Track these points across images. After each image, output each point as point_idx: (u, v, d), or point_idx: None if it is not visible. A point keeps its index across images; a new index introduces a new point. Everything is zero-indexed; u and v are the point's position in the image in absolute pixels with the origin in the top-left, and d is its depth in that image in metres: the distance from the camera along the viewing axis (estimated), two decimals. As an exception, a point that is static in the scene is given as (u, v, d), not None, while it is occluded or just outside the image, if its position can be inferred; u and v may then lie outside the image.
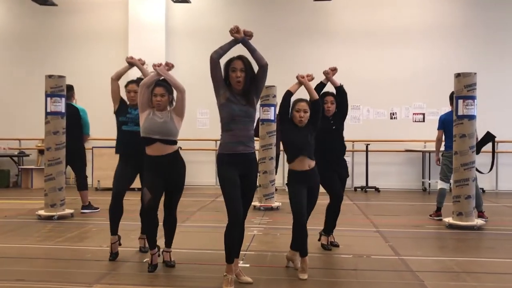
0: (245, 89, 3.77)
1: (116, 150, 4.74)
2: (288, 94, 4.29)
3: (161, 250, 4.41)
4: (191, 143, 11.01)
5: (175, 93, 4.28)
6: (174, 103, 4.31)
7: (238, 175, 3.76)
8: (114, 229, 4.63)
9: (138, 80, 4.74)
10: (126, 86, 4.78)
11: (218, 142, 11.62)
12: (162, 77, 4.22)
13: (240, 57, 3.78)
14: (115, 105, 4.75)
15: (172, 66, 4.29)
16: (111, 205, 4.61)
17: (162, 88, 4.20)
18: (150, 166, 4.20)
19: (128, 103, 4.79)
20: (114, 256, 4.57)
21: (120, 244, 4.69)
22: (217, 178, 12.13)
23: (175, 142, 4.24)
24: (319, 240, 5.12)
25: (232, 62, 3.77)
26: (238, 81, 3.74)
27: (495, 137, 7.19)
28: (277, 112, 8.04)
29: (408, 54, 11.16)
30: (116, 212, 4.64)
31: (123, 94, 4.76)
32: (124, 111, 4.72)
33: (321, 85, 4.95)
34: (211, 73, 3.73)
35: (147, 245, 4.54)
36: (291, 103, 4.26)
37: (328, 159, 4.74)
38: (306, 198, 4.17)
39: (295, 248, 4.30)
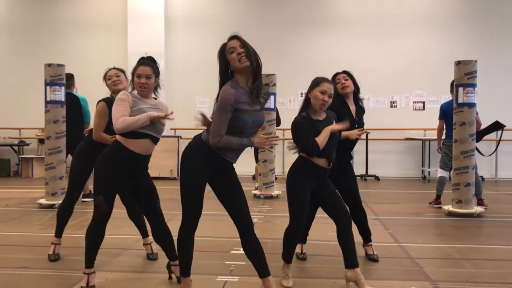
0: (253, 68, 2.96)
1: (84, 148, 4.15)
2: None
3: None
4: (191, 132, 10.96)
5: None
6: (159, 90, 3.61)
7: (208, 174, 3.08)
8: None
9: (119, 69, 4.26)
10: (105, 74, 4.21)
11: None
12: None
13: (235, 36, 3.04)
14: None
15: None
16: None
17: (149, 69, 3.44)
18: (118, 162, 3.35)
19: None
20: None
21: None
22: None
23: (158, 141, 3.50)
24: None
25: (227, 45, 3.03)
26: (241, 57, 2.95)
27: (504, 126, 7.12)
28: (278, 100, 8.05)
29: (409, 42, 11.12)
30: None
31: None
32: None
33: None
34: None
35: (155, 251, 4.28)
36: (313, 83, 3.49)
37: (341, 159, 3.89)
38: (310, 198, 3.51)
39: (287, 259, 3.65)
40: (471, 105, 6.33)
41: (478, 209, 6.41)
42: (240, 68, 2.98)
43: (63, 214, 4.27)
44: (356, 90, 4.23)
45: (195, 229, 3.13)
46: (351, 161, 4.43)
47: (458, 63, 6.44)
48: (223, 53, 3.03)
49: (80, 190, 4.27)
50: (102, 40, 11.65)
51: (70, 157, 7.67)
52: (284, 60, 11.05)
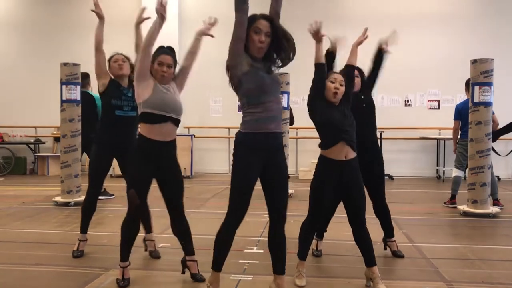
0: (266, 58, 2.99)
1: (99, 139, 4.18)
2: (321, 67, 3.69)
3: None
4: (204, 131, 11.05)
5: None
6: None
7: (260, 167, 2.97)
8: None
9: (126, 56, 4.37)
10: (111, 57, 4.28)
11: (231, 130, 11.47)
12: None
13: (268, 18, 2.97)
14: (103, 81, 4.10)
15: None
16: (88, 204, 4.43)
17: (170, 58, 3.49)
18: (145, 155, 3.40)
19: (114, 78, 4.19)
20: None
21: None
22: (230, 166, 12.26)
23: (179, 123, 3.57)
24: (385, 249, 4.44)
25: (255, 21, 2.94)
26: (260, 47, 2.91)
27: None
28: (291, 99, 8.03)
29: (423, 40, 11.01)
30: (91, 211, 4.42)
31: None
32: (117, 92, 4.07)
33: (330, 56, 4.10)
34: (237, 31, 2.91)
35: (157, 247, 4.34)
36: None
37: (359, 148, 3.65)
38: (333, 196, 3.53)
39: (302, 256, 3.69)
40: (487, 104, 6.26)
41: (494, 209, 6.34)
42: (253, 51, 2.96)
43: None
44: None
45: (238, 227, 3.06)
46: (379, 155, 4.58)
47: (474, 61, 6.37)
48: (249, 25, 2.95)
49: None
50: (116, 40, 11.64)
51: (85, 156, 7.78)
52: (297, 58, 10.92)
